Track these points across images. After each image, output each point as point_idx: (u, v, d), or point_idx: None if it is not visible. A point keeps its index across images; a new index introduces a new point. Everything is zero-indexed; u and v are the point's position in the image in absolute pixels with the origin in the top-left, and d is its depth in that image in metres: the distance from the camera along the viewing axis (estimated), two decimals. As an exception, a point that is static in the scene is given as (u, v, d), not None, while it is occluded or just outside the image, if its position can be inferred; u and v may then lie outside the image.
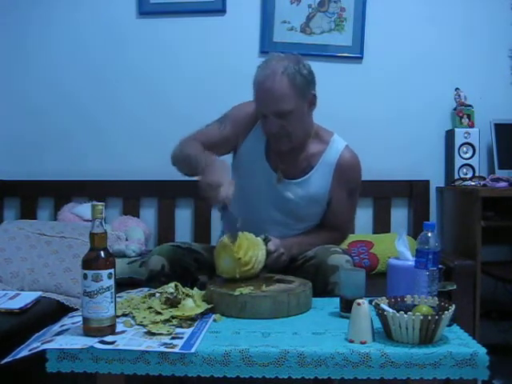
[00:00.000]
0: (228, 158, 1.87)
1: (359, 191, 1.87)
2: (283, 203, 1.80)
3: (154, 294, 1.48)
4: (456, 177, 2.60)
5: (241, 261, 1.52)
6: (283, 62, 1.67)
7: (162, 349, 1.14)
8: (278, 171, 1.79)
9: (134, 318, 1.33)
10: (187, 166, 1.73)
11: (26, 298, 1.89)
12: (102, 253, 1.21)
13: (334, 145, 1.80)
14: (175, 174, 2.72)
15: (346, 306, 1.34)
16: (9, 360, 1.16)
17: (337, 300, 1.43)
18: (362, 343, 1.17)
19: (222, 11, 2.76)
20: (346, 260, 1.65)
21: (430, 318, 1.15)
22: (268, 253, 1.62)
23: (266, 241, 1.64)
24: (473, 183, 2.53)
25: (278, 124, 1.68)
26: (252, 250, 1.55)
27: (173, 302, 1.38)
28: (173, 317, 1.31)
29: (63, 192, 2.79)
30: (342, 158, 1.78)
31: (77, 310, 1.54)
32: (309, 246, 1.76)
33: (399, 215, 2.77)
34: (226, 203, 1.56)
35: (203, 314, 1.38)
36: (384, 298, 1.31)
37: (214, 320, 1.36)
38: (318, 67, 2.77)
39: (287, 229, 1.82)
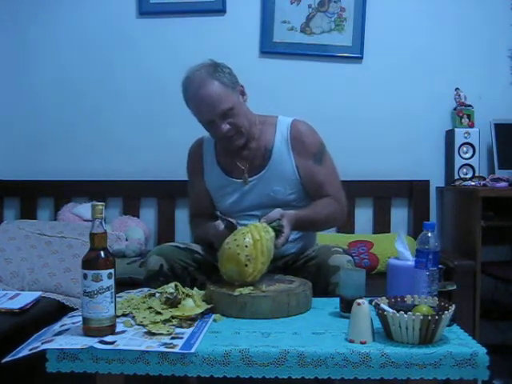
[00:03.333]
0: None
1: (327, 155, 1.84)
2: (264, 200, 1.80)
3: (154, 294, 1.48)
4: (456, 177, 2.60)
5: (249, 280, 1.47)
6: (203, 70, 1.73)
7: (162, 349, 1.14)
8: (244, 175, 1.82)
9: (133, 318, 1.33)
10: (208, 243, 1.81)
11: (26, 298, 1.89)
12: (102, 253, 1.22)
13: (282, 122, 1.85)
14: (175, 174, 2.74)
15: (346, 306, 1.34)
16: (9, 359, 1.16)
17: (337, 300, 1.43)
18: (362, 343, 1.17)
19: (221, 11, 2.76)
20: (347, 260, 1.65)
21: (430, 318, 1.15)
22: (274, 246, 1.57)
23: (277, 232, 1.58)
24: (473, 183, 2.52)
25: (225, 123, 1.73)
26: (265, 269, 1.50)
27: (173, 302, 1.38)
28: (173, 317, 1.31)
29: (63, 192, 2.79)
30: (292, 129, 1.82)
31: (77, 309, 1.54)
32: (309, 224, 1.75)
33: (399, 215, 2.77)
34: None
35: (203, 314, 1.38)
36: (384, 297, 1.31)
37: (214, 320, 1.36)
38: (318, 67, 2.83)
39: None
